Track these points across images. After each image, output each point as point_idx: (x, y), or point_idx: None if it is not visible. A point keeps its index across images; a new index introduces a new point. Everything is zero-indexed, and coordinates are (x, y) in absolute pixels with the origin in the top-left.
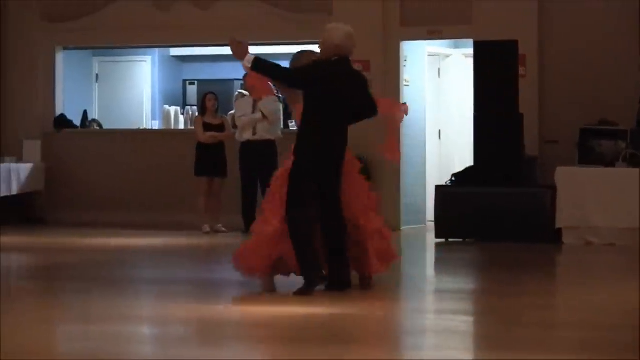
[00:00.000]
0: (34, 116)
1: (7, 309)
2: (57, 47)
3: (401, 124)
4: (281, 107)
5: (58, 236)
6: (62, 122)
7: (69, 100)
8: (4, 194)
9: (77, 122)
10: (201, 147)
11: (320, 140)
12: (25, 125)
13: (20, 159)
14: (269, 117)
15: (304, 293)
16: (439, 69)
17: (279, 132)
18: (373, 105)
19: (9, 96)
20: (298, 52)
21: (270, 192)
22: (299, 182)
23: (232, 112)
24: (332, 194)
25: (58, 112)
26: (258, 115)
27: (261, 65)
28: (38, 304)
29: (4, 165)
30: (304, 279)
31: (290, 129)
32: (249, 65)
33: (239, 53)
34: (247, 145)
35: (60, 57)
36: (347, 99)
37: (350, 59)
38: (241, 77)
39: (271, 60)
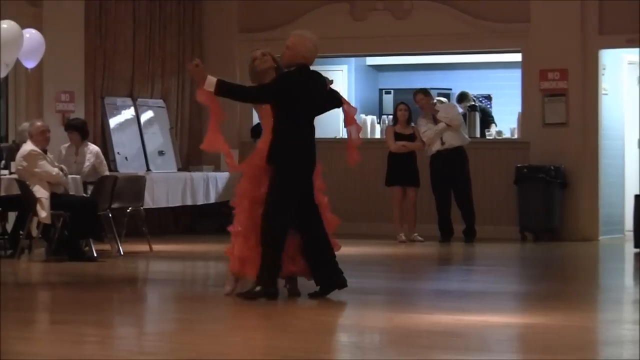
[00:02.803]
0: (232, 125)
1: (204, 316)
2: None
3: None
4: (460, 110)
5: None
6: (258, 131)
7: None
8: (202, 202)
9: None
10: (393, 157)
11: (301, 147)
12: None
13: (217, 168)
14: (451, 124)
15: (250, 297)
16: (638, 78)
17: (466, 137)
18: (336, 99)
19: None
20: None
21: (237, 196)
22: (285, 190)
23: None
24: (312, 199)
25: (255, 121)
26: (441, 125)
27: (225, 88)
28: (234, 311)
29: (202, 174)
30: (261, 283)
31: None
32: (212, 90)
33: (198, 77)
34: (437, 156)
35: None
36: (316, 104)
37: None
38: (437, 87)
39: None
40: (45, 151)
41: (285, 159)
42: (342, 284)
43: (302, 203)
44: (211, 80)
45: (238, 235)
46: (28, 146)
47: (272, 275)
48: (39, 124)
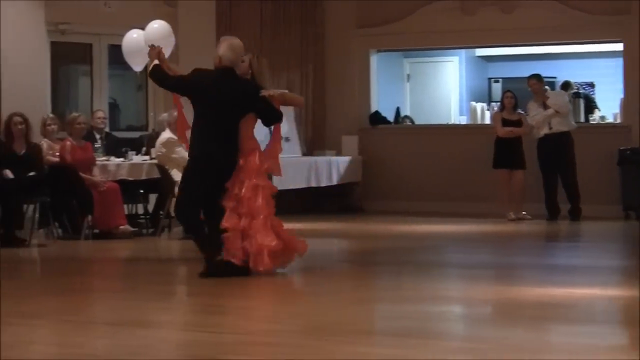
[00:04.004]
0: (352, 113)
1: (327, 290)
2: (372, 50)
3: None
4: (568, 98)
5: (373, 223)
6: (377, 118)
7: (382, 98)
8: (325, 184)
9: (390, 118)
10: (500, 142)
11: (197, 145)
12: (344, 121)
13: (339, 153)
14: (560, 111)
15: (209, 275)
16: None
17: (573, 123)
18: (270, 114)
19: (329, 96)
20: None
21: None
22: (189, 182)
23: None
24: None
25: (373, 109)
26: (550, 111)
27: (154, 72)
28: (355, 285)
29: (325, 158)
30: (208, 263)
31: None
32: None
33: (150, 57)
34: (544, 140)
35: (374, 59)
36: (223, 107)
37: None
38: (542, 76)
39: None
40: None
41: (190, 153)
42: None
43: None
44: (153, 64)
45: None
46: (166, 134)
47: (210, 249)
48: (175, 113)
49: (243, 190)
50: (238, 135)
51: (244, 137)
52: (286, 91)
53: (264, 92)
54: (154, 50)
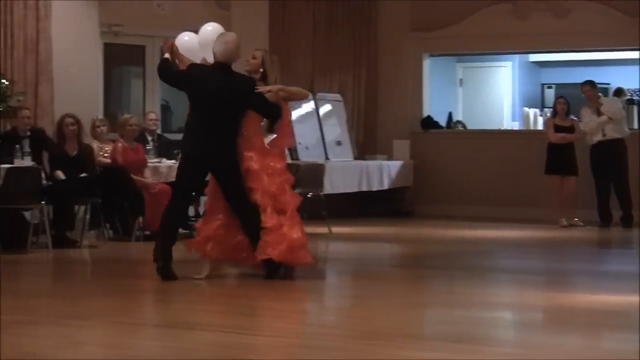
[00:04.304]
0: (404, 117)
1: (377, 294)
2: (424, 54)
3: None
4: (622, 105)
5: (424, 227)
6: (429, 123)
7: (435, 102)
8: (376, 188)
9: (442, 123)
10: (552, 148)
11: (189, 142)
12: (395, 126)
13: (390, 157)
14: (613, 117)
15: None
16: None
17: (626, 130)
18: (267, 110)
19: (381, 99)
20: None
21: (209, 192)
22: (179, 177)
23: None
24: (231, 187)
25: (425, 113)
26: (604, 118)
27: (160, 65)
28: (406, 289)
29: (376, 163)
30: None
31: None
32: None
33: (162, 50)
34: (597, 147)
35: (427, 63)
36: (217, 103)
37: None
38: (596, 82)
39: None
40: None
41: (182, 147)
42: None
43: (224, 191)
44: (164, 57)
45: (205, 213)
46: None
47: (159, 252)
48: None
49: (274, 188)
50: (236, 133)
51: (253, 134)
52: (284, 86)
53: (261, 88)
54: (167, 44)
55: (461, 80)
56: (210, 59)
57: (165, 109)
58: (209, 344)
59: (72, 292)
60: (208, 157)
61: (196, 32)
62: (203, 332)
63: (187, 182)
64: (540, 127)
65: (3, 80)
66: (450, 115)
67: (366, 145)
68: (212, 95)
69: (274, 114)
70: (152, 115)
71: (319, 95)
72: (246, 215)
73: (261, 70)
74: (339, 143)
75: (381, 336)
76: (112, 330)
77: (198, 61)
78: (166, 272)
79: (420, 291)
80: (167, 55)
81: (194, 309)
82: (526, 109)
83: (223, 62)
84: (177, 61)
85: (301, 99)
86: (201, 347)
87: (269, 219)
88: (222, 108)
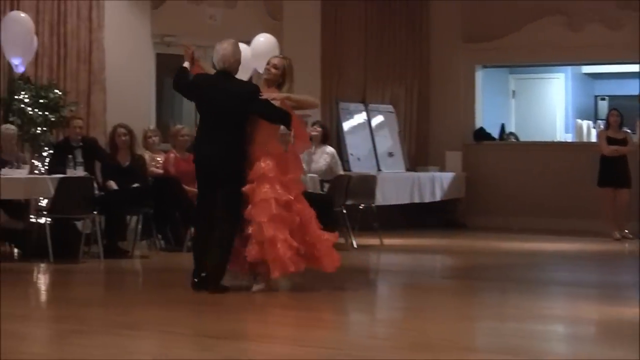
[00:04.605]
0: (456, 129)
1: (430, 306)
2: (477, 66)
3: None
4: None
5: (476, 239)
6: (481, 134)
7: (487, 114)
8: (428, 200)
9: (494, 134)
10: (605, 160)
11: (195, 149)
12: (447, 137)
13: (442, 169)
14: None
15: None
16: None
17: None
18: (272, 116)
19: (433, 111)
20: None
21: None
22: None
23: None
24: (207, 201)
25: (477, 125)
26: None
27: (175, 74)
28: (458, 301)
29: (428, 174)
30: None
31: None
32: None
33: (185, 57)
34: None
35: (479, 75)
36: (219, 110)
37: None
38: None
39: None
40: None
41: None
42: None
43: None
44: (182, 65)
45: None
46: None
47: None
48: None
49: (285, 197)
50: (239, 141)
51: (268, 140)
52: (290, 94)
53: (265, 95)
54: (187, 52)
55: (514, 91)
56: (261, 70)
57: None
58: (261, 354)
59: (124, 302)
60: (210, 165)
61: (248, 42)
62: (255, 343)
63: (199, 192)
64: (593, 139)
65: (56, 91)
66: (502, 127)
67: (418, 156)
68: (212, 103)
69: (281, 120)
70: None
71: (371, 106)
72: (222, 230)
73: (280, 80)
74: (390, 154)
75: (433, 348)
76: (163, 340)
77: (249, 73)
78: (199, 284)
79: (472, 303)
80: (186, 64)
81: (245, 319)
82: (579, 120)
83: (223, 70)
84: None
85: (309, 107)
86: (254, 358)
87: (266, 230)
88: (223, 115)
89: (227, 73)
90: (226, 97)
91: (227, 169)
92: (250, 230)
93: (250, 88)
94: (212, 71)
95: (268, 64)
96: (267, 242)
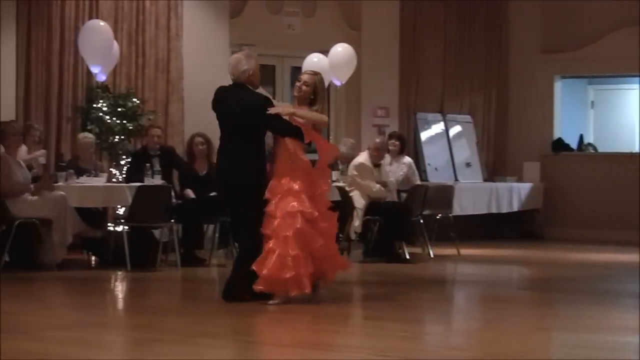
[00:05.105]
0: (534, 140)
1: (507, 317)
2: (555, 76)
3: None
4: None
5: (553, 250)
6: (560, 145)
7: (566, 125)
8: (506, 210)
9: (573, 145)
10: None
11: (217, 161)
12: (525, 148)
13: (520, 179)
14: None
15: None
16: None
17: None
18: (280, 130)
19: (511, 121)
20: None
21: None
22: None
23: None
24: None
25: (556, 136)
26: None
27: None
28: (534, 312)
29: (506, 185)
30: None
31: None
32: None
33: None
34: None
35: (558, 85)
36: (230, 123)
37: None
38: None
39: None
40: (377, 165)
41: None
42: (226, 296)
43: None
44: None
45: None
46: (362, 157)
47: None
48: (378, 140)
49: (310, 210)
50: (253, 154)
51: (294, 153)
52: (296, 111)
53: (272, 110)
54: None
55: (592, 102)
56: (339, 82)
57: None
58: None
59: (200, 311)
60: (224, 177)
61: (326, 52)
62: (331, 353)
63: (225, 205)
64: None
65: (134, 99)
66: (581, 138)
67: (496, 167)
68: (225, 115)
69: (291, 134)
70: None
71: (449, 116)
72: (245, 249)
73: (311, 96)
74: (468, 164)
75: (507, 359)
76: (239, 349)
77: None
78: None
79: (547, 315)
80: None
81: (319, 329)
82: None
83: (237, 82)
84: None
85: (318, 125)
86: None
87: (291, 247)
88: (235, 128)
89: (240, 85)
90: (237, 109)
91: (241, 181)
92: (271, 244)
93: (258, 101)
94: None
95: (298, 81)
96: (290, 259)
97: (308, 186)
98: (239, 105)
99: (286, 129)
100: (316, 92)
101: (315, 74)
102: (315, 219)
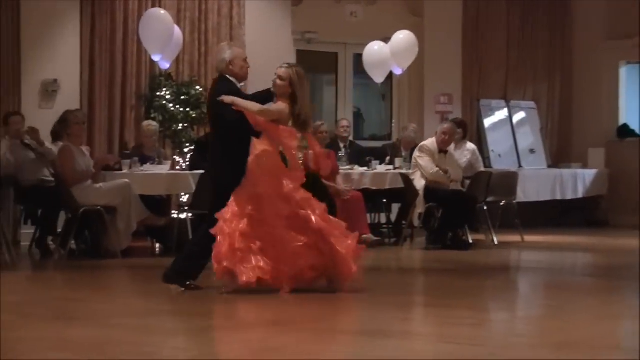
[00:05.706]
0: (599, 126)
1: (573, 305)
2: (621, 62)
3: None
4: None
5: (618, 237)
6: (625, 131)
7: (630, 111)
8: (570, 197)
9: (638, 131)
10: None
11: None
12: (590, 134)
13: (585, 166)
14: None
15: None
16: None
17: None
18: (223, 119)
19: (576, 108)
20: None
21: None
22: None
23: None
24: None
25: (621, 122)
26: None
27: None
28: (599, 300)
29: (570, 171)
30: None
31: None
32: None
33: None
34: None
35: (623, 72)
36: (208, 116)
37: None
38: None
39: None
40: (445, 152)
41: None
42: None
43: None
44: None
45: None
46: (428, 141)
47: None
48: (446, 125)
49: (314, 220)
50: (225, 149)
51: (260, 152)
52: (235, 99)
53: (224, 98)
54: None
55: None
56: (399, 70)
57: (357, 116)
58: (405, 351)
59: (263, 299)
60: (211, 177)
61: (388, 39)
62: (397, 341)
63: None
64: None
65: (197, 87)
66: None
67: (560, 153)
68: (209, 109)
69: (233, 124)
70: (344, 122)
71: (513, 102)
72: (200, 237)
73: (290, 91)
74: (532, 151)
75: (574, 347)
76: (301, 337)
77: (386, 72)
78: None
79: (612, 302)
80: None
81: (385, 317)
82: None
83: (218, 73)
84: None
85: (270, 117)
86: (397, 354)
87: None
88: (212, 125)
89: (219, 76)
90: (209, 103)
91: (222, 184)
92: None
93: (217, 91)
94: None
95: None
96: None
97: (274, 187)
98: (209, 99)
99: (230, 119)
100: (293, 86)
101: (291, 67)
102: (293, 215)
